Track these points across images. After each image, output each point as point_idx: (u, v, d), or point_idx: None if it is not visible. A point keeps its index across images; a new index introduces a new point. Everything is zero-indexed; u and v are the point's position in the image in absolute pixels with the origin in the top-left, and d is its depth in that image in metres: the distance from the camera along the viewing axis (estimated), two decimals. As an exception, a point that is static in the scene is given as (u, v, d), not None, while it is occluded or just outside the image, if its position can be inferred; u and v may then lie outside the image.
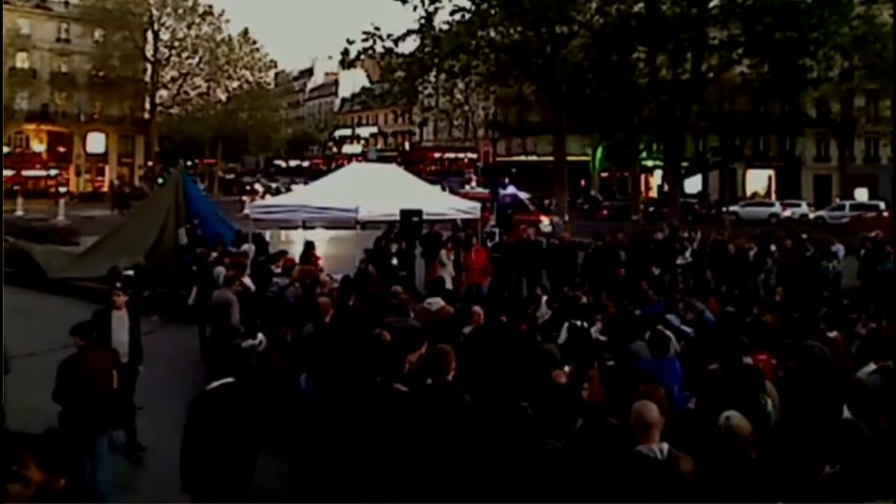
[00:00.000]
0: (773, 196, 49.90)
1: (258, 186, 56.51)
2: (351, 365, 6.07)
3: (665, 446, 4.01)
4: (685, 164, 28.11)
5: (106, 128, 60.39)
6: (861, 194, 44.89)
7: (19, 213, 32.87)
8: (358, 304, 8.70)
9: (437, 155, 69.47)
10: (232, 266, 11.09)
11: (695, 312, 9.66)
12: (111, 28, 54.11)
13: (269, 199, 24.78)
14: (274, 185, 55.49)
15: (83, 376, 6.23)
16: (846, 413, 5.20)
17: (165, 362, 9.51)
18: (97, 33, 55.70)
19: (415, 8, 23.22)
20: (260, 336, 8.47)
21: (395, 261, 14.12)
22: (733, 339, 6.98)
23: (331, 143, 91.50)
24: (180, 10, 55.87)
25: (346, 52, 28.68)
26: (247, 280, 10.77)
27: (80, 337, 6.51)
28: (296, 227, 20.87)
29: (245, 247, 14.27)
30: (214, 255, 12.78)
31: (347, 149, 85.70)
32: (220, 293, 9.54)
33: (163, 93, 57.94)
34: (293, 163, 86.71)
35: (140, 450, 7.51)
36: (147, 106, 58.81)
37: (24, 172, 53.96)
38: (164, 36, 56.29)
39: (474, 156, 63.51)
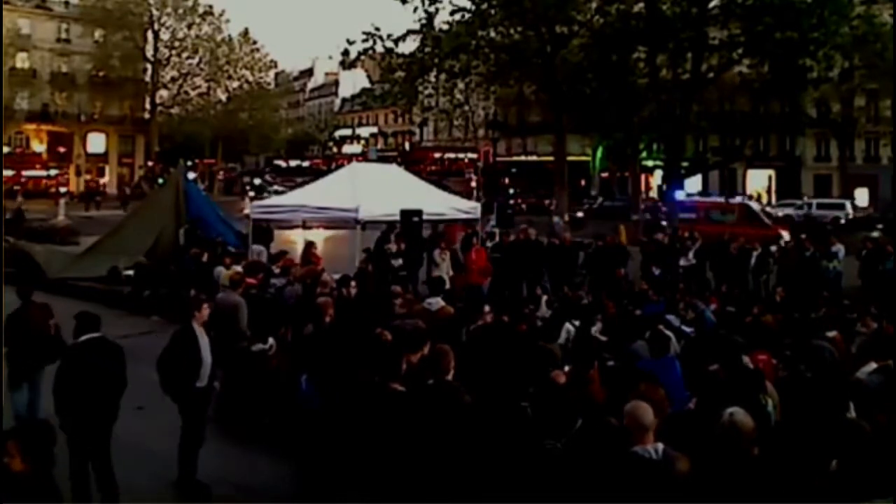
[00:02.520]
0: (774, 196, 50.11)
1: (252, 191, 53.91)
2: (351, 365, 6.07)
3: (660, 446, 4.01)
4: (685, 164, 27.99)
5: (106, 128, 60.44)
6: (861, 194, 45.06)
7: (19, 213, 32.79)
8: (354, 301, 8.68)
9: (437, 155, 69.35)
10: (248, 267, 11.02)
11: (695, 312, 9.66)
12: (111, 28, 54.14)
13: (269, 200, 24.72)
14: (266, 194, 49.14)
15: (27, 326, 7.52)
16: (852, 412, 5.20)
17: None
18: (97, 33, 55.73)
19: (415, 9, 23.20)
20: (271, 340, 8.34)
21: (392, 261, 14.10)
22: (729, 338, 6.98)
23: (331, 143, 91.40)
24: (180, 10, 55.93)
25: (346, 53, 28.73)
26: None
27: (21, 298, 7.90)
28: (295, 227, 20.84)
29: (255, 248, 14.31)
30: (206, 256, 12.76)
31: (347, 149, 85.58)
32: (227, 296, 9.05)
33: (163, 93, 58.01)
34: (293, 163, 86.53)
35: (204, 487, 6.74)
36: (147, 106, 58.90)
37: (24, 172, 53.90)
38: (164, 36, 56.47)
39: (474, 156, 63.44)
